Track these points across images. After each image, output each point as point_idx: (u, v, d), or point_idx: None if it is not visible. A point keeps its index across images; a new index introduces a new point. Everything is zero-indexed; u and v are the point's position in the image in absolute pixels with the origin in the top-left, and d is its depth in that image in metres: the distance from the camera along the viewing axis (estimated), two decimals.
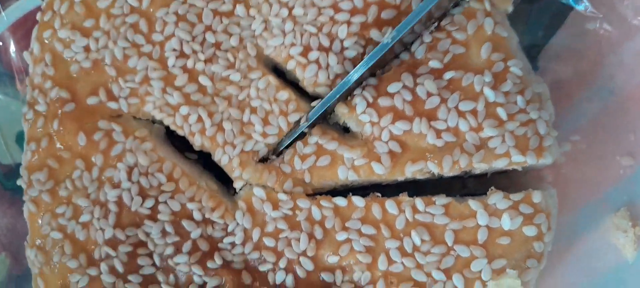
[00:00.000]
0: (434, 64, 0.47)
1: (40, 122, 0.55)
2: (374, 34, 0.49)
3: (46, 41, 0.56)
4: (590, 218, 0.53)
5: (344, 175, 0.48)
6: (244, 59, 0.52)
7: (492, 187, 0.47)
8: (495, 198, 0.46)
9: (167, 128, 0.55)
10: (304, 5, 0.50)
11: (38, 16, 0.57)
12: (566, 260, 0.53)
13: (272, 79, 0.51)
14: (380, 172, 0.47)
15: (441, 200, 0.47)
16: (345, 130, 0.52)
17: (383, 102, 0.48)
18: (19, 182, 0.56)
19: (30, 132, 0.56)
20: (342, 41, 0.50)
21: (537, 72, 0.51)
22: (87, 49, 0.54)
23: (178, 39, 0.52)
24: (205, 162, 0.56)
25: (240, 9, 0.52)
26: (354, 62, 0.49)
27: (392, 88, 0.48)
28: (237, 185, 0.52)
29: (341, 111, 0.50)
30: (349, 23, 0.49)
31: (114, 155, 0.54)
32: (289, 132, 0.51)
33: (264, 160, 0.52)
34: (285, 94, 0.51)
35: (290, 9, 0.51)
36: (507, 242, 0.46)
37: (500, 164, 0.46)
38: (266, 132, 0.51)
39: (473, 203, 0.46)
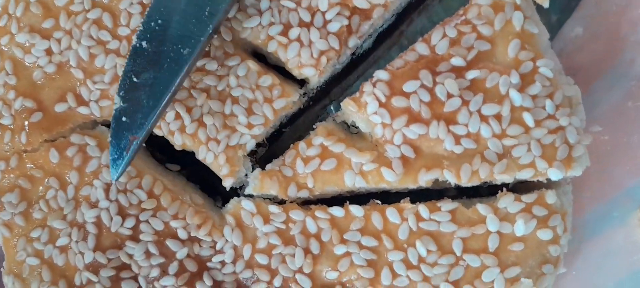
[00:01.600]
0: (456, 61, 0.44)
1: (7, 137, 0.52)
2: (358, 1, 0.46)
3: (4, 48, 0.53)
4: (613, 214, 0.50)
5: (351, 182, 0.46)
6: (219, 45, 0.49)
7: (503, 189, 0.44)
8: (506, 201, 0.43)
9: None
10: None
11: None
12: (589, 259, 0.51)
13: (252, 64, 0.48)
14: (391, 179, 0.44)
15: (447, 205, 0.44)
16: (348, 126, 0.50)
17: (397, 102, 0.45)
18: None
19: None
20: (323, 14, 0.47)
21: None
22: (48, 52, 0.51)
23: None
24: (189, 173, 0.53)
25: None
26: (339, 36, 0.46)
27: (408, 87, 0.45)
28: (226, 183, 0.49)
29: (349, 109, 0.47)
30: None
31: (89, 172, 0.51)
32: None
33: (252, 153, 0.50)
34: (268, 79, 0.48)
35: None
36: (520, 248, 0.43)
37: (524, 175, 0.43)
38: (251, 123, 0.48)
39: (482, 208, 0.44)
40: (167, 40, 0.45)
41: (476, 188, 0.46)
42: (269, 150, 0.54)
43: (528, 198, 0.44)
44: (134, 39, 0.47)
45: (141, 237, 0.49)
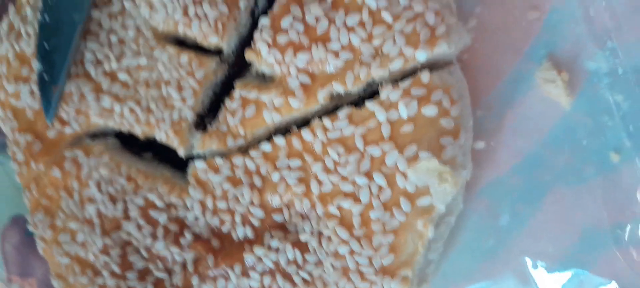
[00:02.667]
0: None
1: (24, 170, 0.66)
2: None
3: (3, 99, 0.66)
4: (518, 82, 0.54)
5: (270, 118, 0.54)
6: (145, 43, 0.60)
7: (382, 83, 0.50)
8: (386, 92, 0.49)
9: (121, 138, 0.64)
10: None
11: None
12: (509, 128, 0.54)
13: (170, 49, 0.59)
14: (296, 105, 0.52)
15: (343, 112, 0.51)
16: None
17: (281, 38, 0.53)
18: (29, 228, 0.67)
19: (22, 181, 0.67)
20: None
21: None
22: (32, 93, 0.64)
23: (91, 52, 0.61)
24: (160, 158, 0.64)
25: (127, 4, 0.59)
26: (227, 2, 0.54)
27: (285, 23, 0.52)
28: (180, 152, 0.59)
29: (251, 58, 0.55)
30: None
31: (84, 177, 0.63)
32: None
33: (200, 125, 0.59)
34: (185, 56, 0.58)
35: None
36: (411, 129, 0.49)
37: (396, 65, 0.49)
38: (184, 97, 0.58)
39: (370, 104, 0.50)
40: (61, 10, 0.59)
41: (371, 95, 0.52)
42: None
43: (404, 83, 0.49)
44: (38, 15, 0.60)
45: (130, 214, 0.60)
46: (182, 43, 0.60)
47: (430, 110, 0.48)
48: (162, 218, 0.59)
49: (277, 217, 0.55)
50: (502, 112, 0.54)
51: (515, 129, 0.54)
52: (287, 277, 0.54)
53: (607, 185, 0.52)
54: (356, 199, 0.50)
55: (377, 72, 0.49)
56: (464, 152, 0.50)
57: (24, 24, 0.64)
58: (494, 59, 0.54)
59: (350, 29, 0.50)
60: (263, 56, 0.53)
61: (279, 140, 0.54)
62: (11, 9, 0.66)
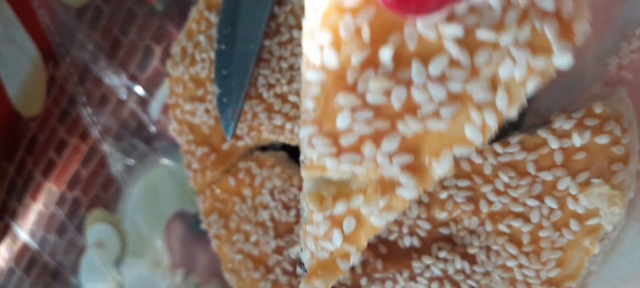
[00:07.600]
0: None
1: (198, 176, 0.77)
2: None
3: (179, 116, 0.77)
4: None
5: (380, 222, 0.43)
6: None
7: (555, 111, 0.55)
8: (559, 121, 0.55)
9: (288, 152, 0.73)
10: None
11: (167, 101, 0.78)
12: None
13: None
14: (410, 195, 0.41)
15: (514, 139, 0.57)
16: None
17: (346, 140, 0.40)
18: (202, 226, 0.79)
19: (196, 186, 0.79)
20: None
21: None
22: (207, 111, 0.74)
23: (263, 76, 0.70)
24: None
25: (296, 33, 0.67)
26: None
27: (342, 121, 0.39)
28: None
29: (312, 176, 0.46)
30: None
31: (257, 185, 0.73)
32: None
33: None
34: None
35: None
36: (584, 156, 0.54)
37: (531, 87, 0.35)
38: None
39: (542, 132, 0.55)
40: (237, 41, 0.68)
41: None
42: None
43: (577, 114, 0.54)
44: (215, 44, 0.69)
45: (301, 220, 0.70)
46: None
47: (602, 139, 0.53)
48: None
49: (444, 230, 0.62)
50: None
51: None
52: (455, 284, 0.61)
53: None
54: (526, 219, 0.57)
55: (512, 111, 0.36)
56: (631, 176, 0.55)
57: (197, 49, 0.75)
58: None
59: (440, 79, 0.35)
60: (332, 169, 0.41)
61: None
62: (182, 35, 0.77)
